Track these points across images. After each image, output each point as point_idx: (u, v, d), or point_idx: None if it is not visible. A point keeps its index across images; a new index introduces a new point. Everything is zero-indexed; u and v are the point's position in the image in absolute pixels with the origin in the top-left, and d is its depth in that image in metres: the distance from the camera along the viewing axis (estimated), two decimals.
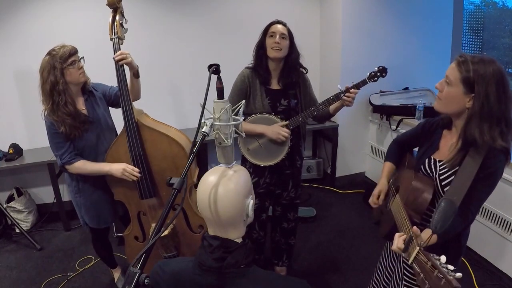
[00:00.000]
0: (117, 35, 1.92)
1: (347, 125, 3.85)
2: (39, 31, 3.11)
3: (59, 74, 1.83)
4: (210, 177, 1.05)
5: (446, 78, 1.28)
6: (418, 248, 1.07)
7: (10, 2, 3.03)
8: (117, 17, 1.94)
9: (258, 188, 2.26)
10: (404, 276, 1.53)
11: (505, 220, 2.49)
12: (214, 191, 1.02)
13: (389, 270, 1.67)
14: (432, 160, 1.42)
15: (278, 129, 2.08)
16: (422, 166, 1.45)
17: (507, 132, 1.22)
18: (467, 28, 3.66)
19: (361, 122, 3.92)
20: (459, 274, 0.93)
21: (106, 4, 1.92)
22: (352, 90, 1.99)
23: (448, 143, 1.39)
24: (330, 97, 2.05)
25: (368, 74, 2.02)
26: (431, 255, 1.02)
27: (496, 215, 2.55)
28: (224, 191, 1.01)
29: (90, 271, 2.72)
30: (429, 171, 1.42)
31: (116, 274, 2.56)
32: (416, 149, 1.62)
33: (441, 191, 1.36)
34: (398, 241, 1.21)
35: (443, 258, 1.00)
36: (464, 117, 1.28)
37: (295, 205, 2.46)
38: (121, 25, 1.97)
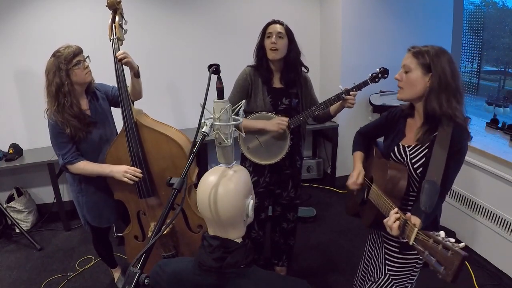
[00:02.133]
0: (117, 36, 1.92)
1: (347, 125, 3.84)
2: (39, 31, 3.11)
3: (64, 75, 1.83)
4: (210, 177, 1.05)
5: (404, 67, 1.43)
6: (416, 229, 1.15)
7: (10, 2, 3.03)
8: (117, 18, 1.94)
9: (257, 188, 2.26)
10: (386, 261, 1.58)
11: (505, 220, 2.49)
12: (214, 191, 1.02)
13: (375, 257, 1.74)
14: (401, 147, 1.50)
15: (277, 120, 2.09)
16: (392, 154, 1.52)
17: (461, 100, 1.37)
18: (467, 28, 3.64)
19: (361, 122, 3.85)
20: (462, 244, 0.98)
21: (106, 6, 1.92)
22: (352, 92, 1.99)
23: (414, 129, 1.48)
24: (331, 97, 2.05)
25: (370, 75, 2.02)
26: (431, 232, 1.08)
27: (496, 215, 2.55)
28: (224, 191, 1.02)
29: (90, 271, 2.72)
30: (399, 157, 1.49)
31: (116, 274, 2.56)
32: (381, 139, 1.69)
33: (414, 175, 1.45)
34: (393, 227, 1.26)
35: (442, 233, 1.05)
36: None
37: (295, 205, 2.45)
38: (121, 26, 1.97)
